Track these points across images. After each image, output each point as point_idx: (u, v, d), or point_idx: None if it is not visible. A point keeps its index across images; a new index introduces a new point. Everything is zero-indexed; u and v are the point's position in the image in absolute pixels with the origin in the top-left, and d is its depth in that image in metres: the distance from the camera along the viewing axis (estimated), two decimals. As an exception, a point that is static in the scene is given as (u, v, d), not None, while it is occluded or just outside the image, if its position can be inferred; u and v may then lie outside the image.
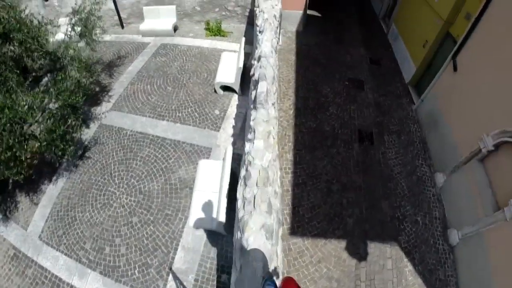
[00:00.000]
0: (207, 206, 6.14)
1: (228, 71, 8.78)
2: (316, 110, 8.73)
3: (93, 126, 8.53)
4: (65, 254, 6.41)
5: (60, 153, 6.70)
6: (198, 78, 9.55)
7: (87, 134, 8.37)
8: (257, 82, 4.89)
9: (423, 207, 7.04)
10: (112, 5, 11.56)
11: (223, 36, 11.32)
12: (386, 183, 7.38)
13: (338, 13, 14.02)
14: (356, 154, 7.79)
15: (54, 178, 7.60)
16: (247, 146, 3.95)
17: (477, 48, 6.64)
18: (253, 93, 4.74)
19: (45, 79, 7.64)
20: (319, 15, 13.35)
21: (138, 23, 11.96)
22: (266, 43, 6.00)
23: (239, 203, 3.52)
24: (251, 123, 4.04)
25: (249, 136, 4.02)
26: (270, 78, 4.91)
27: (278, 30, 7.65)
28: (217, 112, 8.43)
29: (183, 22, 12.27)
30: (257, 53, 5.91)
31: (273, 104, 4.52)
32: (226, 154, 6.34)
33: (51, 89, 6.79)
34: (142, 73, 10.00)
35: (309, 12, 12.05)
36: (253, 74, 5.37)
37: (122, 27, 12.37)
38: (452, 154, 7.05)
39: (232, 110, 8.46)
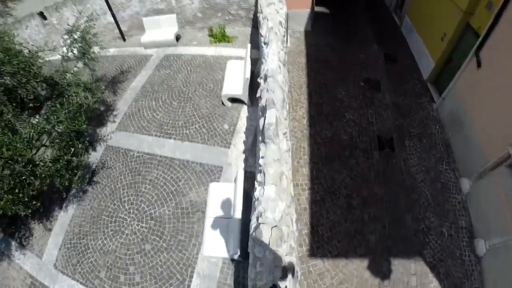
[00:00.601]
0: (221, 233, 5.97)
1: (235, 82, 8.49)
2: (332, 117, 8.40)
3: (100, 149, 8.45)
4: (81, 283, 6.44)
5: (66, 182, 6.66)
6: (204, 90, 9.32)
7: (94, 157, 8.31)
8: (264, 108, 4.58)
9: (449, 216, 6.75)
10: (111, 19, 11.42)
11: (228, 41, 11.03)
12: (409, 193, 7.06)
13: (346, 7, 13.53)
14: (377, 163, 7.46)
15: (65, 204, 7.64)
16: (258, 190, 3.64)
17: (502, 42, 6.17)
18: (261, 121, 4.40)
19: (45, 106, 7.57)
20: (327, 11, 12.89)
21: (139, 35, 11.79)
22: (273, 57, 5.66)
23: (251, 258, 3.25)
24: (261, 161, 3.71)
25: (259, 177, 3.71)
26: (280, 102, 4.60)
27: (285, 37, 7.22)
28: (226, 126, 8.20)
29: (186, 30, 12.04)
30: (263, 70, 5.58)
31: (284, 134, 4.18)
32: (238, 178, 6.10)
33: (51, 117, 6.71)
34: (146, 88, 9.85)
35: (316, 9, 11.63)
36: (260, 97, 5.03)
37: (124, 39, 12.25)
38: (479, 159, 6.70)
39: (242, 123, 8.20)
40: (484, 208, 6.45)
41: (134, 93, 9.73)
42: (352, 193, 6.96)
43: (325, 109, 8.57)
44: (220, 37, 10.98)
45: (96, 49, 8.53)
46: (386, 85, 9.35)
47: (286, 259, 3.08)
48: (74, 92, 7.19)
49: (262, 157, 3.72)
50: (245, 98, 8.31)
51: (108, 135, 8.65)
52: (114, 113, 9.24)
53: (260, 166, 3.71)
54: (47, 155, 6.98)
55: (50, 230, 7.33)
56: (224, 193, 6.34)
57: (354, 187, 7.06)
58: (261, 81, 5.31)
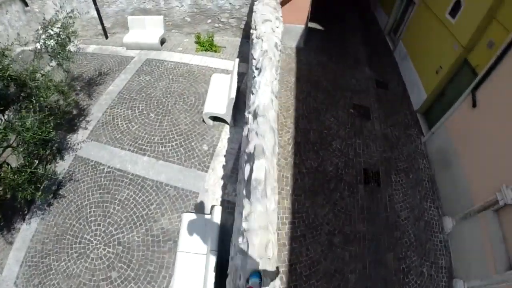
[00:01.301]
0: (193, 270, 5.59)
1: (218, 99, 8.09)
2: (318, 145, 8.15)
3: (68, 158, 7.91)
4: (42, 307, 5.98)
5: (28, 197, 6.13)
6: (184, 104, 8.89)
7: (61, 166, 7.77)
8: (252, 156, 4.01)
9: (430, 256, 6.70)
10: (95, 13, 10.83)
11: (215, 51, 10.63)
12: (393, 231, 6.93)
13: (340, 26, 13.46)
14: (361, 199, 7.27)
15: (28, 217, 7.12)
16: (239, 258, 3.24)
17: (502, 84, 6.11)
18: (246, 170, 3.94)
19: (12, 109, 6.98)
20: (321, 28, 12.70)
21: (123, 34, 11.31)
22: (265, 88, 5.05)
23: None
24: (244, 225, 3.30)
25: (241, 242, 3.27)
26: (270, 148, 4.14)
27: (278, 62, 6.68)
28: (205, 147, 7.79)
29: (172, 34, 11.58)
30: (252, 103, 5.05)
31: (273, 189, 3.81)
32: (214, 214, 5.73)
33: (16, 123, 6.17)
34: (123, 94, 9.34)
35: (310, 25, 11.35)
36: (247, 138, 4.56)
37: (106, 37, 11.70)
38: (464, 199, 6.67)
39: (223, 145, 7.82)
40: (465, 249, 6.45)
41: (110, 98, 9.20)
42: (334, 230, 6.74)
43: (312, 136, 8.31)
44: (207, 46, 10.57)
45: (72, 48, 7.99)
46: (376, 113, 9.21)
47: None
48: (42, 97, 6.63)
49: (246, 219, 3.30)
50: (228, 118, 7.92)
51: (78, 144, 8.11)
52: (87, 119, 8.69)
53: (243, 228, 3.30)
54: (9, 167, 6.43)
55: (11, 243, 6.80)
56: (198, 226, 5.95)
57: (337, 223, 6.84)
58: (249, 116, 4.79)
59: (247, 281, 3.13)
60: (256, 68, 5.71)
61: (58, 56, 7.68)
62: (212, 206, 6.55)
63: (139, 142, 7.99)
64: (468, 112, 6.95)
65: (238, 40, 11.23)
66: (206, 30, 11.15)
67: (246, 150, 4.09)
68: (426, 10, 9.69)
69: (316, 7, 11.48)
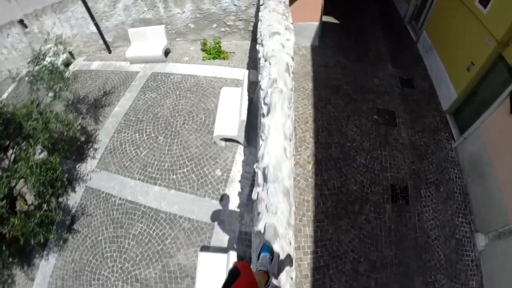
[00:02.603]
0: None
1: (229, 118, 8.05)
2: (341, 161, 8.01)
3: (79, 190, 8.22)
4: None
5: (41, 240, 6.45)
6: (194, 123, 8.92)
7: (73, 199, 8.12)
8: (261, 237, 3.52)
9: (460, 278, 6.58)
10: (94, 29, 10.94)
11: (224, 58, 10.53)
12: (421, 254, 6.82)
13: (357, 16, 13.06)
14: (388, 220, 7.17)
15: (45, 253, 7.52)
16: None
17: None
18: (255, 242, 3.68)
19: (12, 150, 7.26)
20: (337, 21, 12.31)
21: (126, 46, 11.47)
22: (276, 134, 4.37)
23: None
24: None
25: None
26: (285, 222, 3.61)
27: (292, 90, 5.92)
28: (218, 173, 7.83)
29: (177, 42, 11.61)
30: (261, 157, 4.34)
31: (288, 272, 3.38)
32: (229, 258, 5.79)
33: (21, 166, 6.43)
34: (129, 116, 9.50)
35: (324, 18, 11.00)
36: (257, 205, 4.10)
37: (110, 51, 11.95)
38: (499, 217, 6.48)
39: (237, 169, 7.83)
40: (498, 271, 6.30)
41: (116, 121, 9.40)
42: (359, 257, 6.71)
43: (334, 151, 8.17)
44: (214, 53, 10.47)
45: (68, 75, 8.16)
46: (402, 117, 8.95)
47: None
48: (40, 139, 6.84)
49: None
50: (241, 139, 7.91)
51: (88, 174, 8.37)
52: (95, 146, 8.95)
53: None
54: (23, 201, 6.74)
55: (32, 280, 7.24)
56: (215, 267, 6.03)
57: (362, 250, 6.80)
58: (258, 172, 4.37)
59: (258, 257, 3.23)
60: (265, 104, 5.26)
61: (53, 87, 7.82)
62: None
63: (149, 170, 8.14)
64: (505, 118, 6.65)
65: (247, 44, 11.09)
66: (212, 36, 11.08)
67: (256, 229, 3.81)
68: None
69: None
